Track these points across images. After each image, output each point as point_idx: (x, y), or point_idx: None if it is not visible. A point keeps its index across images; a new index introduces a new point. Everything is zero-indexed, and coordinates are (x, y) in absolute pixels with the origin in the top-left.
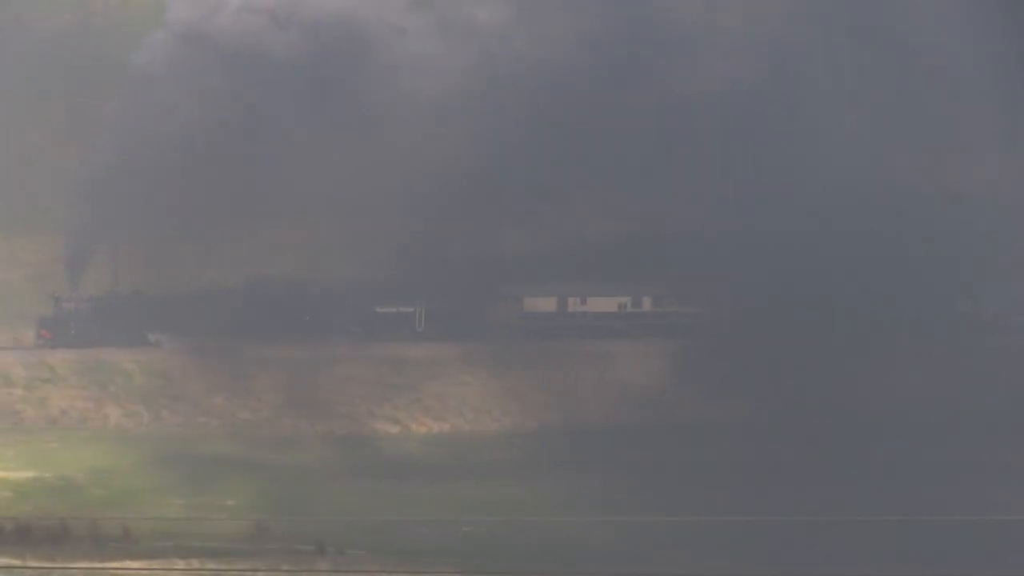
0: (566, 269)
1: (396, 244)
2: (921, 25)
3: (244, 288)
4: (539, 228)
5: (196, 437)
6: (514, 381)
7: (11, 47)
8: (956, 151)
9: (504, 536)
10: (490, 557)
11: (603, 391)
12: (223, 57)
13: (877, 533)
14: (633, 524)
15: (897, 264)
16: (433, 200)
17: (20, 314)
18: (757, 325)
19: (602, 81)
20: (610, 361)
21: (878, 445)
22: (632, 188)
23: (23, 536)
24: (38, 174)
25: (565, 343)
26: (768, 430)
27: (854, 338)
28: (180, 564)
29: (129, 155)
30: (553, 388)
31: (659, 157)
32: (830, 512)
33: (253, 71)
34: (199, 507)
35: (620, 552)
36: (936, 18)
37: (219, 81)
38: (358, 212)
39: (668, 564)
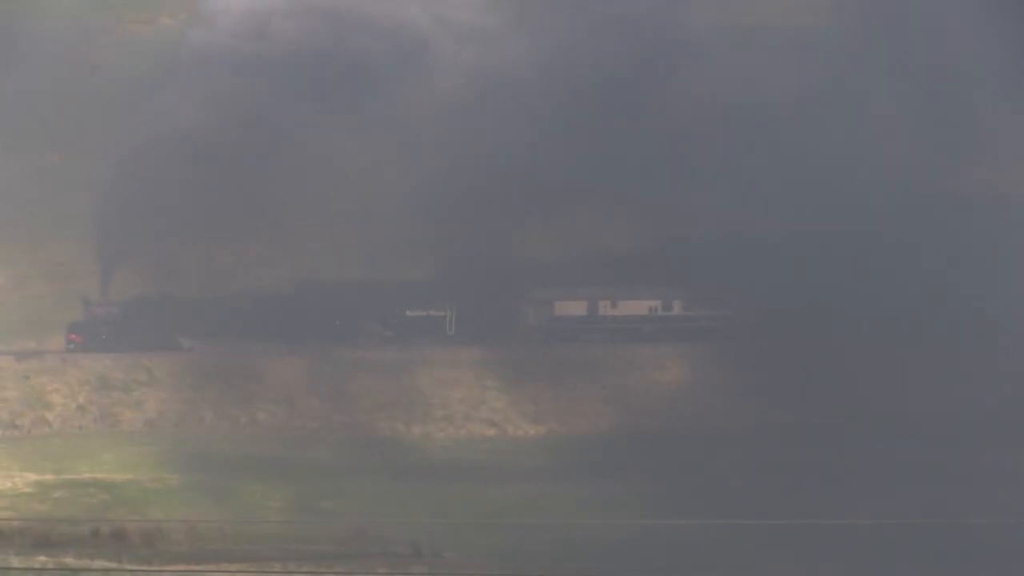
0: (597, 273)
1: (426, 247)
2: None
3: (274, 292)
4: (569, 232)
5: (292, 439)
6: (606, 385)
7: None
8: (989, 156)
9: (599, 538)
10: (585, 560)
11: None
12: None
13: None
14: (749, 527)
15: (932, 268)
16: (463, 202)
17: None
18: (797, 328)
19: (637, 87)
20: (668, 365)
21: (953, 448)
22: (666, 192)
23: (119, 539)
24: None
25: (629, 347)
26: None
27: (900, 342)
28: (195, 566)
29: (146, 155)
30: (641, 392)
31: (691, 162)
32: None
33: (282, 70)
34: (295, 510)
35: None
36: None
37: (241, 81)
38: (385, 215)
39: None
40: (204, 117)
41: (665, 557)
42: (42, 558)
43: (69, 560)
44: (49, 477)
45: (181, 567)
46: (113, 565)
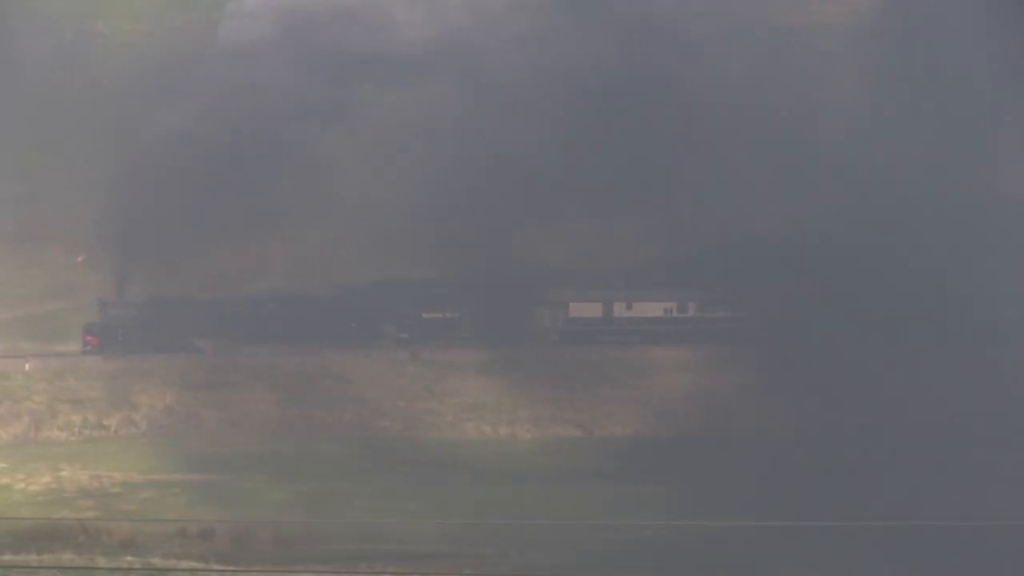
0: (615, 275)
1: (440, 249)
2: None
3: (289, 294)
4: (584, 235)
5: (376, 439)
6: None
7: None
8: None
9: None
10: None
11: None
12: None
13: None
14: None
15: (960, 272)
16: (478, 204)
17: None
18: (815, 329)
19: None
20: (715, 367)
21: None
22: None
23: (206, 539)
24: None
25: (673, 348)
26: (878, 433)
27: (937, 346)
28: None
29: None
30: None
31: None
32: None
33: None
34: (382, 511)
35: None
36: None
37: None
38: (400, 216)
39: None
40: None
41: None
42: (129, 558)
43: (156, 560)
44: (136, 477)
45: (268, 568)
46: (200, 566)
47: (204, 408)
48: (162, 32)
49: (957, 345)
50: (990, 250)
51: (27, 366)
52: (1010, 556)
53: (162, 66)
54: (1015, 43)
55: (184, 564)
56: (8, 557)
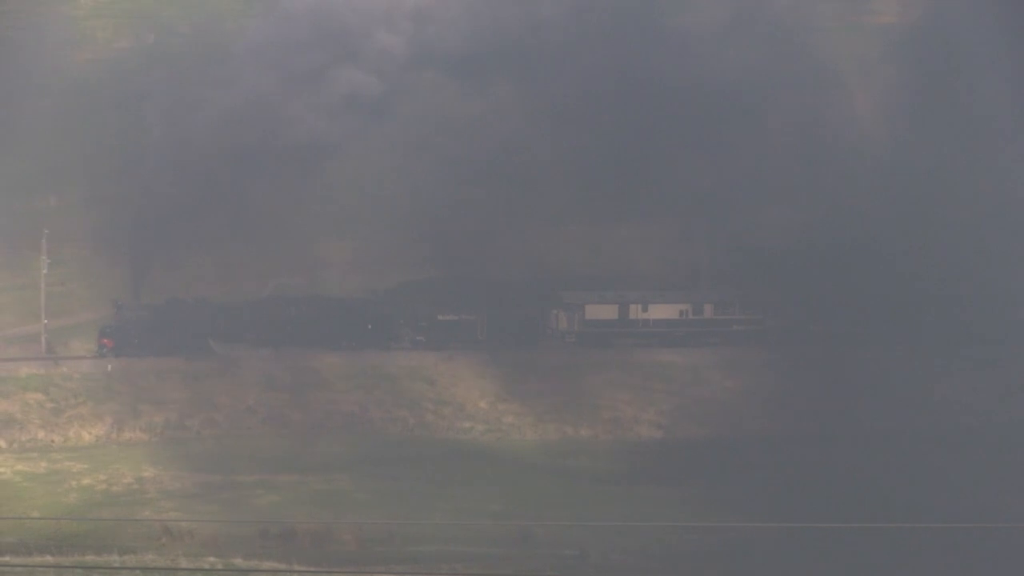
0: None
1: (456, 251)
2: None
3: (305, 297)
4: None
5: (460, 441)
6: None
7: None
8: None
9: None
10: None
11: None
12: None
13: None
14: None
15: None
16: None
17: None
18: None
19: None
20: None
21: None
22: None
23: (288, 540)
24: None
25: (724, 349)
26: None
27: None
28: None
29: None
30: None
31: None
32: None
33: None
34: (463, 512)
35: None
36: None
37: None
38: (413, 219)
39: None
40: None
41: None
42: (211, 558)
43: (238, 561)
44: (217, 478)
45: (350, 569)
46: (282, 566)
47: (287, 408)
48: None
49: (986, 349)
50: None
51: (109, 367)
52: None
53: None
54: None
55: (266, 565)
56: (91, 558)
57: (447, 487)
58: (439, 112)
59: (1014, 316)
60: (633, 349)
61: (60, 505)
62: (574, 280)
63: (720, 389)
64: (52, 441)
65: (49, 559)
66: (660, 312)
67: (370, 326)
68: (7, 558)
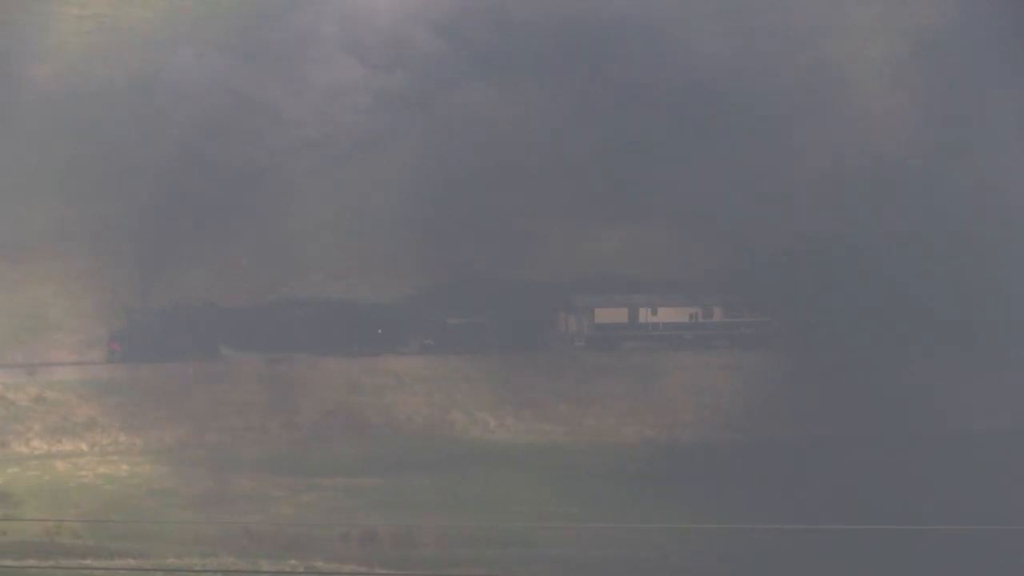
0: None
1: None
2: None
3: (314, 300)
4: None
5: (541, 444)
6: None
7: None
8: None
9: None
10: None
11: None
12: None
13: None
14: None
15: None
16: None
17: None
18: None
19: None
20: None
21: None
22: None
23: (369, 542)
24: None
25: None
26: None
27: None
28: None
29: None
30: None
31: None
32: None
33: None
34: (542, 515)
35: None
36: None
37: None
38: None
39: None
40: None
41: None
42: (292, 561)
43: (319, 564)
44: (298, 480)
45: (432, 572)
46: (363, 569)
47: (366, 411)
48: None
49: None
50: None
51: (191, 370)
52: None
53: None
54: None
55: (347, 568)
56: (172, 560)
57: (525, 488)
58: (450, 113)
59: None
60: (687, 351)
61: (141, 508)
62: (583, 283)
63: (781, 390)
64: (133, 444)
65: (131, 562)
66: (670, 315)
67: (380, 330)
68: (88, 561)
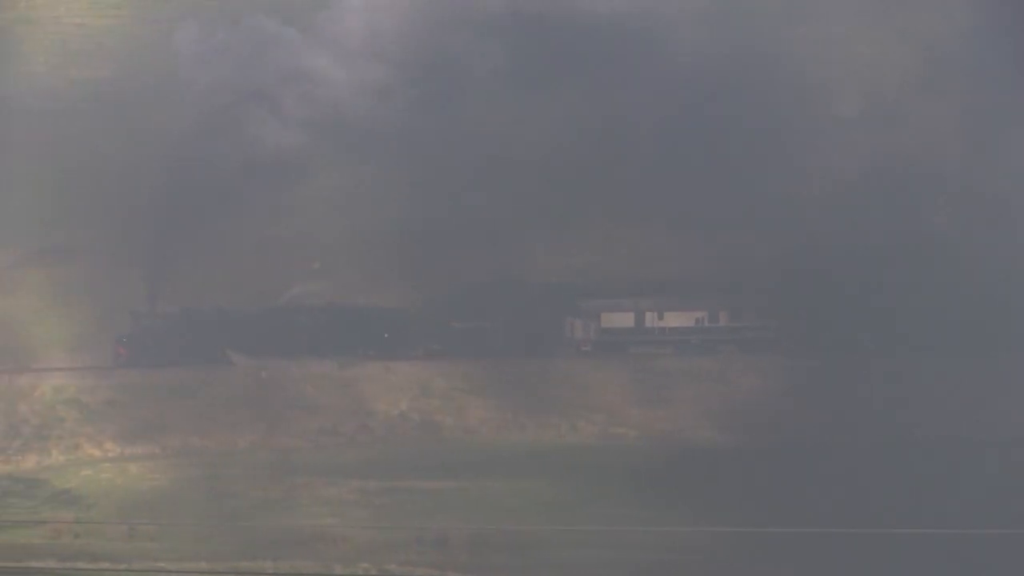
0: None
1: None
2: None
3: (321, 305)
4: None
5: (613, 449)
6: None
7: None
8: None
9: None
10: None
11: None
12: None
13: None
14: None
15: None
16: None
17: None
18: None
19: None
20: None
21: None
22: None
23: (442, 546)
24: None
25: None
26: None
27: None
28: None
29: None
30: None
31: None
32: None
33: None
34: (616, 519)
35: None
36: None
37: None
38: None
39: None
40: None
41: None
42: (365, 564)
43: (393, 567)
44: (372, 484)
45: None
46: (435, 573)
47: (439, 414)
48: None
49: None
50: None
51: (263, 373)
52: None
53: None
54: None
55: (420, 571)
56: (245, 564)
57: (596, 494)
58: (458, 116)
59: None
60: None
61: (214, 511)
62: (589, 287)
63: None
64: (206, 446)
65: (203, 565)
66: (676, 320)
67: (386, 335)
68: (162, 564)
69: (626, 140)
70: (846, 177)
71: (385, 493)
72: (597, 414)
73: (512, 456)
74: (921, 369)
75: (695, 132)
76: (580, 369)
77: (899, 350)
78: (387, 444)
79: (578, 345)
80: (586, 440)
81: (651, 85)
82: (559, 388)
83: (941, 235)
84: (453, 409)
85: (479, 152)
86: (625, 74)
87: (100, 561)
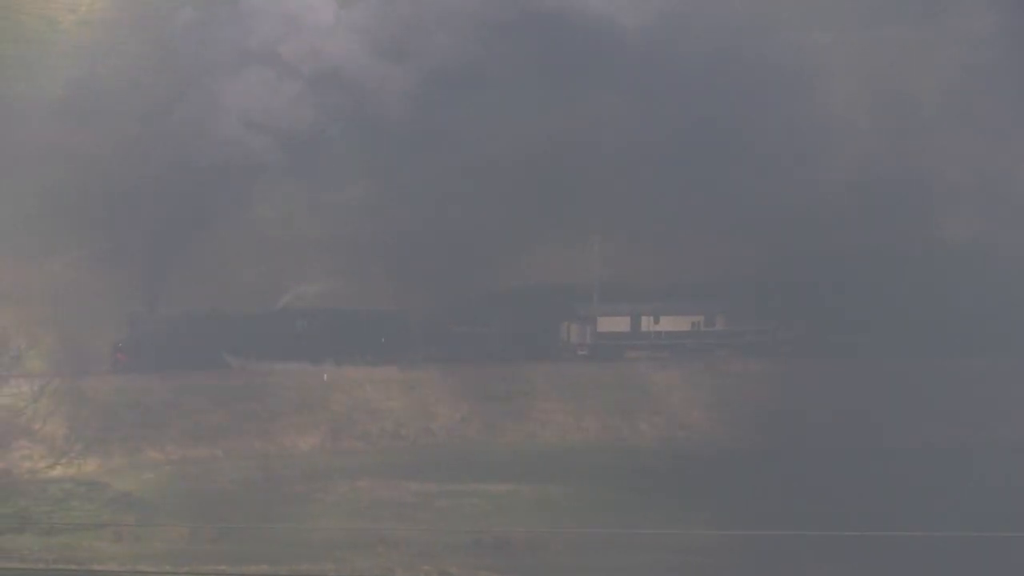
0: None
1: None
2: None
3: (316, 308)
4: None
5: (672, 452)
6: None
7: None
8: None
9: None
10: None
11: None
12: None
13: None
14: None
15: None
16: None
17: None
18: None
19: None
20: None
21: None
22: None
23: (501, 549)
24: None
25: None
26: None
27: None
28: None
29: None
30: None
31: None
32: None
33: None
34: (670, 522)
35: None
36: None
37: None
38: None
39: None
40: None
41: None
42: (425, 567)
43: (453, 570)
44: (432, 487)
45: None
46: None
47: (501, 418)
48: None
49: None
50: None
51: (325, 376)
52: None
53: None
54: None
55: (481, 575)
56: (306, 567)
57: (655, 497)
58: (456, 118)
59: None
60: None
61: (275, 514)
62: (585, 291)
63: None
64: (268, 450)
65: (264, 567)
66: (672, 324)
67: (383, 339)
68: (223, 567)
69: (626, 141)
70: (837, 182)
71: (445, 496)
72: (658, 417)
73: (569, 459)
74: (920, 372)
75: (695, 132)
76: (642, 371)
77: (896, 354)
78: (448, 447)
79: (573, 350)
80: (644, 443)
81: (656, 88)
82: (626, 391)
83: (940, 239)
84: (514, 412)
85: (479, 152)
86: (625, 75)
87: (162, 564)
